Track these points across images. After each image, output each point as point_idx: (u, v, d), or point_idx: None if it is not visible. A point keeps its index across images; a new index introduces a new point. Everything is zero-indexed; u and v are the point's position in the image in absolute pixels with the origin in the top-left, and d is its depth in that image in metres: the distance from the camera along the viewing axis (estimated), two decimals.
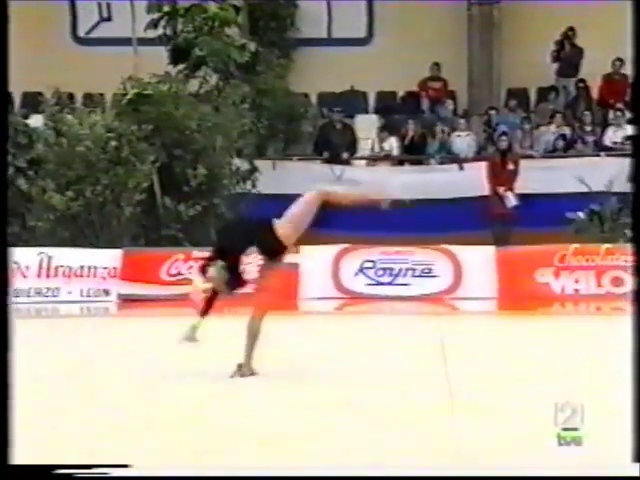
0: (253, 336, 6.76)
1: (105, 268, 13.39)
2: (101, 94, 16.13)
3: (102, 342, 9.41)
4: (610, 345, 8.70)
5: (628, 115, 16.47)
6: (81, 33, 18.71)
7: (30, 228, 13.83)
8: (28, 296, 13.08)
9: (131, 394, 6.41)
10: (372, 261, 13.46)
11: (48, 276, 13.29)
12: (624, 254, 12.99)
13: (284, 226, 6.67)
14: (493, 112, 17.01)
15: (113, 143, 13.76)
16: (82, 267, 13.36)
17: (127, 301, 13.26)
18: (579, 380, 6.68)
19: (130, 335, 10.02)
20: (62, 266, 13.30)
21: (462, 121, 16.99)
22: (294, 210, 6.73)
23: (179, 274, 13.42)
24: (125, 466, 4.07)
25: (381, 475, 4.18)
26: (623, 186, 15.13)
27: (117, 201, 13.75)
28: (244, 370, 6.78)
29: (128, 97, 14.37)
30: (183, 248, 13.86)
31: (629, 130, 16.24)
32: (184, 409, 5.82)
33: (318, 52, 18.10)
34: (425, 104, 17.72)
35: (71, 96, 16.27)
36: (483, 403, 5.95)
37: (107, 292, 13.41)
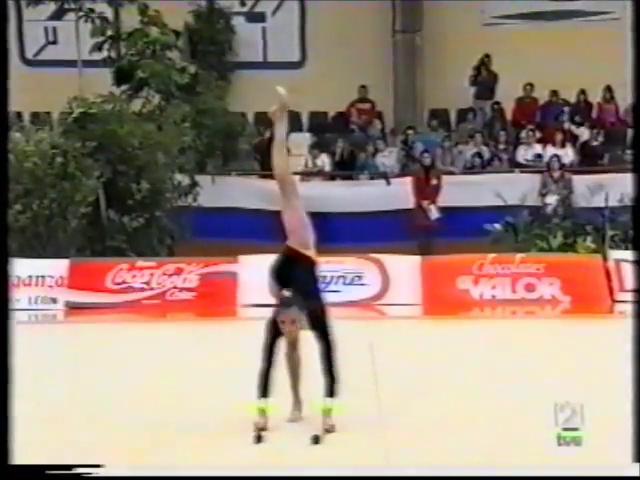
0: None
1: (52, 277, 13.22)
2: (48, 113, 15.93)
3: (50, 346, 9.33)
4: (525, 345, 8.93)
5: (538, 135, 16.87)
6: (29, 55, 18.49)
7: None
8: None
9: (72, 393, 6.37)
10: None
11: None
12: (536, 262, 13.29)
13: None
14: (411, 132, 17.23)
15: (59, 159, 13.59)
16: (30, 277, 13.15)
17: (74, 308, 13.12)
18: (500, 376, 6.84)
19: (77, 339, 9.94)
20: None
21: (389, 139, 17.18)
22: None
23: (123, 282, 13.32)
24: (99, 466, 4.02)
25: (381, 475, 4.15)
26: (535, 200, 15.51)
27: (64, 214, 13.58)
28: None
29: (74, 116, 14.22)
30: (127, 258, 13.75)
31: (538, 149, 16.64)
32: (125, 409, 5.81)
33: (254, 74, 18.13)
34: (354, 123, 17.89)
35: (19, 115, 16.03)
36: (409, 400, 6.06)
37: (54, 300, 13.24)
